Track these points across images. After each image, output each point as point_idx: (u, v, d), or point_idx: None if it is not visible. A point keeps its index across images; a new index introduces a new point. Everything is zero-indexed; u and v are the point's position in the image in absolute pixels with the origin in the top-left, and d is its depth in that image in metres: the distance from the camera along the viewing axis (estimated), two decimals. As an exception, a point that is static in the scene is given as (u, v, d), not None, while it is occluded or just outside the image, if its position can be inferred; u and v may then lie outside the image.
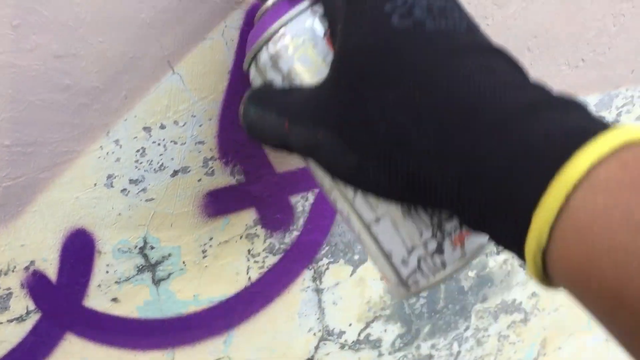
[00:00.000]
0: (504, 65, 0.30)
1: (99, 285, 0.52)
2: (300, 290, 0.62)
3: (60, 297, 0.50)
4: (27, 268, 0.48)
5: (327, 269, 0.63)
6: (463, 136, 0.27)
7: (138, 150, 0.48)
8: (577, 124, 0.26)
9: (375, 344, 0.71)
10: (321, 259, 0.62)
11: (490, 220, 0.27)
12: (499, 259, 0.73)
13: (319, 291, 0.64)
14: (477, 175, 0.27)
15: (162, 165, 0.50)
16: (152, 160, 0.49)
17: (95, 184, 0.48)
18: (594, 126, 0.25)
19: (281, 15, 0.35)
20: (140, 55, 0.45)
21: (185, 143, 0.50)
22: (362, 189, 0.32)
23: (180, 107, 0.48)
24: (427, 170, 0.28)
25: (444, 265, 0.35)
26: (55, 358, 0.53)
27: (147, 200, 0.50)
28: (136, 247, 0.52)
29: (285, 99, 0.34)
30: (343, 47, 0.31)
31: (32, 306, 0.50)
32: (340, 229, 0.62)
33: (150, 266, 0.54)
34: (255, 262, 0.58)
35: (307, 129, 0.32)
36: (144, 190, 0.50)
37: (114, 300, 0.53)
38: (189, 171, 0.51)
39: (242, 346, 0.62)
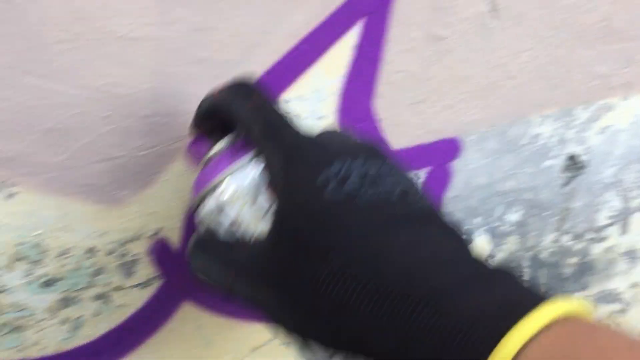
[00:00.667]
0: (435, 235, 0.30)
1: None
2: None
3: (182, 265, 0.52)
4: (153, 235, 0.50)
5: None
6: (396, 314, 0.27)
7: (263, 124, 0.49)
8: (505, 300, 0.26)
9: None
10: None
11: None
12: (602, 246, 0.72)
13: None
14: (412, 351, 0.27)
15: (284, 139, 0.50)
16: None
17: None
18: (523, 301, 0.26)
19: (225, 166, 0.36)
20: (271, 30, 0.46)
21: (307, 117, 0.50)
22: (304, 340, 0.32)
23: (304, 81, 0.49)
24: (365, 339, 0.28)
25: None
26: (173, 324, 0.54)
27: (267, 174, 0.51)
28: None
29: (229, 253, 0.35)
30: (279, 216, 0.32)
31: (155, 272, 0.51)
32: (447, 209, 0.61)
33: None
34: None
35: (248, 287, 0.33)
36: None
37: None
38: (309, 146, 0.52)
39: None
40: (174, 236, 0.51)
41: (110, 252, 0.48)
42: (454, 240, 0.31)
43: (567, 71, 0.62)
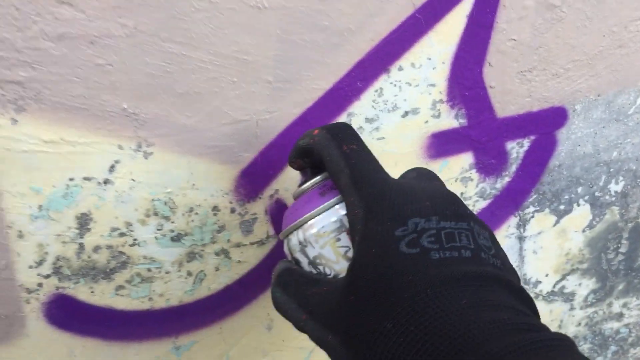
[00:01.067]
0: (500, 297, 0.30)
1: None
2: (504, 236, 0.63)
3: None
4: (271, 196, 0.53)
5: (532, 217, 0.63)
6: None
7: (376, 91, 0.51)
8: None
9: (568, 297, 0.71)
10: (527, 207, 0.63)
11: None
12: None
13: (521, 239, 0.65)
14: None
15: (395, 105, 0.52)
16: (387, 101, 0.52)
17: (335, 121, 0.51)
18: None
19: (315, 205, 0.38)
20: (389, -2, 0.47)
21: (418, 85, 0.52)
22: None
23: (418, 49, 0.50)
24: None
25: None
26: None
27: (378, 139, 0.53)
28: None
29: (306, 292, 0.35)
30: (356, 264, 0.32)
31: (271, 231, 0.54)
32: (549, 178, 0.62)
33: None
34: (467, 205, 0.60)
35: (319, 329, 0.33)
36: (377, 129, 0.53)
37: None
38: (418, 112, 0.53)
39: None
40: (290, 197, 0.53)
41: (232, 211, 0.51)
42: (518, 302, 0.31)
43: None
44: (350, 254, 0.36)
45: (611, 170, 0.63)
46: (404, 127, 0.53)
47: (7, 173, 0.43)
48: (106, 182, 0.46)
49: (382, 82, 0.50)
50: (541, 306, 0.68)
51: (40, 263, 0.46)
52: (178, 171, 0.48)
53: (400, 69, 0.50)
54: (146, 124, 0.45)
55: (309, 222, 0.37)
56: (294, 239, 0.38)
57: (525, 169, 0.59)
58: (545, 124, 0.58)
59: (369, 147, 0.50)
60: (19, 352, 0.49)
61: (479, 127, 0.55)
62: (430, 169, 0.53)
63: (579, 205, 0.64)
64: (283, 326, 0.59)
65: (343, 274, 0.35)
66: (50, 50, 0.40)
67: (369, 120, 0.52)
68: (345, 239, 0.36)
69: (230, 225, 0.52)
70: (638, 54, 0.57)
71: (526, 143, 0.58)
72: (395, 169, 0.53)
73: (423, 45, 0.50)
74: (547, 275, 0.67)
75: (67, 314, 0.49)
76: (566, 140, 0.60)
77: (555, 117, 0.58)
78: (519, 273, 0.66)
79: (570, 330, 0.73)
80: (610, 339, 0.78)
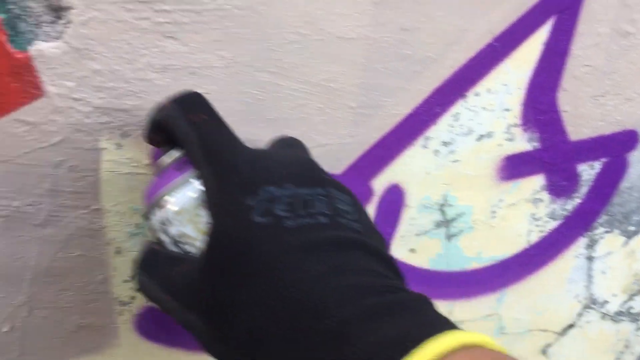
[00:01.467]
0: (359, 261, 0.30)
1: (402, 236, 0.58)
2: (573, 256, 0.64)
3: (371, 243, 0.57)
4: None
5: (602, 237, 0.64)
6: (308, 340, 0.27)
7: (453, 115, 0.53)
8: (405, 332, 0.26)
9: (635, 318, 0.71)
10: (597, 228, 0.64)
11: None
12: None
13: (590, 259, 0.65)
14: None
15: (470, 129, 0.54)
16: (463, 125, 0.53)
17: (413, 145, 0.53)
18: (423, 332, 0.26)
19: (170, 180, 0.36)
20: (469, 27, 0.49)
21: (493, 110, 0.53)
22: None
23: (494, 76, 0.52)
24: None
25: None
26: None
27: (453, 162, 0.55)
28: (437, 203, 0.57)
29: (169, 273, 0.34)
30: (212, 238, 0.31)
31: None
32: (620, 199, 0.63)
33: (446, 222, 0.58)
34: (537, 225, 0.61)
35: (182, 309, 0.32)
36: (452, 152, 0.54)
37: (412, 250, 0.59)
38: (493, 136, 0.55)
39: (512, 305, 0.66)
40: (367, 217, 0.56)
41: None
42: (379, 265, 0.31)
43: None
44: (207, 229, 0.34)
45: (682, 192, 0.63)
46: (478, 150, 0.55)
47: (110, 193, 0.46)
48: (198, 202, 0.49)
49: (458, 107, 0.52)
50: (608, 326, 0.69)
51: (134, 278, 0.49)
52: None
53: (477, 94, 0.52)
54: (238, 148, 0.48)
55: (166, 199, 0.35)
56: (154, 218, 0.36)
57: (595, 190, 0.60)
58: (617, 147, 0.59)
59: (444, 169, 0.52)
60: (111, 361, 0.52)
61: (551, 150, 0.57)
62: (502, 190, 0.55)
63: (648, 227, 0.64)
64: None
65: (200, 250, 0.33)
66: (155, 81, 0.43)
67: (445, 143, 0.53)
68: (205, 214, 0.34)
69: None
70: None
71: (597, 165, 0.59)
72: (469, 192, 0.55)
73: (499, 72, 0.51)
74: (615, 295, 0.67)
75: (157, 326, 0.52)
76: (637, 163, 0.61)
77: (626, 140, 0.59)
78: (586, 293, 0.67)
79: (636, 350, 0.73)
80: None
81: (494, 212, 0.59)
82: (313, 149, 0.48)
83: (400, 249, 0.58)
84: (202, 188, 0.34)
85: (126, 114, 0.44)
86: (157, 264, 0.35)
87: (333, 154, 0.51)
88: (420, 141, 0.53)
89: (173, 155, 0.37)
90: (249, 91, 0.46)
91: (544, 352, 0.70)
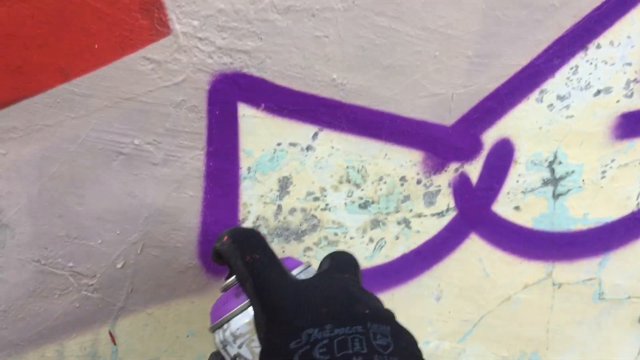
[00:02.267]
0: None
1: (508, 193, 0.56)
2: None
3: (476, 199, 0.56)
4: (456, 170, 0.54)
5: None
6: None
7: (572, 68, 0.51)
8: None
9: None
10: None
11: None
12: None
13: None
14: None
15: (588, 84, 0.52)
16: (581, 79, 0.51)
17: (527, 98, 0.51)
18: None
19: (229, 308, 0.40)
20: (597, -26, 0.47)
21: (614, 64, 0.51)
22: None
23: (618, 27, 0.49)
24: None
25: None
26: (459, 253, 0.59)
27: (567, 117, 0.53)
28: (547, 160, 0.55)
29: None
30: None
31: (452, 204, 0.56)
32: None
33: (554, 180, 0.57)
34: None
35: None
36: (567, 107, 0.53)
37: (516, 208, 0.58)
38: (611, 92, 0.53)
39: (614, 270, 0.64)
40: (474, 171, 0.55)
41: (418, 182, 0.53)
42: None
43: None
44: None
45: None
46: (594, 106, 0.53)
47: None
48: (308, 148, 0.49)
49: (578, 59, 0.50)
50: None
51: (242, 221, 0.50)
52: (373, 140, 0.50)
53: (599, 46, 0.50)
54: (351, 94, 0.48)
55: (226, 324, 0.40)
56: (217, 337, 0.41)
57: None
58: None
59: (557, 124, 0.50)
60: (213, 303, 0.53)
61: (671, 109, 0.54)
62: (615, 149, 0.53)
63: None
64: (451, 297, 0.61)
65: None
66: (277, 22, 0.43)
67: (560, 97, 0.52)
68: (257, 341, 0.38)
69: (414, 195, 0.54)
70: None
71: None
72: (581, 149, 0.53)
73: (624, 23, 0.49)
74: None
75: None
76: None
77: None
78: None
79: None
80: None
81: (604, 172, 0.57)
82: (425, 98, 0.47)
83: (505, 207, 0.57)
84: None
85: (247, 56, 0.44)
86: None
87: (445, 104, 0.50)
88: (535, 94, 0.51)
89: (233, 281, 0.41)
90: (367, 35, 0.45)
91: (642, 321, 0.68)
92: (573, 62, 0.50)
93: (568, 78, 0.51)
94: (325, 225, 0.53)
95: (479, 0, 0.46)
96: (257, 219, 0.50)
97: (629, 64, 0.51)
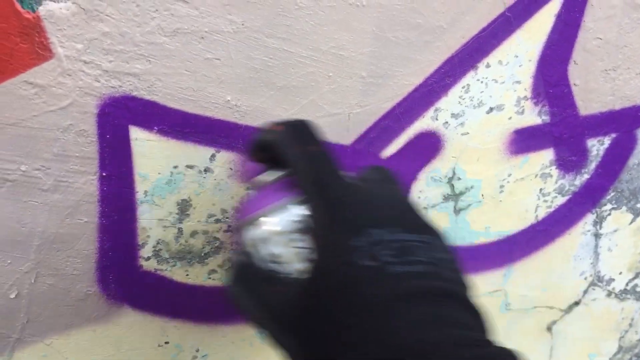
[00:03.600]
0: (455, 313, 0.31)
1: (410, 209, 0.57)
2: (580, 233, 0.64)
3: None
4: (357, 187, 0.54)
5: (609, 214, 0.64)
6: None
7: (464, 87, 0.52)
8: None
9: (641, 296, 0.71)
10: (605, 204, 0.63)
11: None
12: None
13: (597, 236, 0.65)
14: None
15: (481, 101, 0.53)
16: (473, 97, 0.53)
17: (423, 117, 0.53)
18: None
19: (275, 199, 0.36)
20: (481, -4, 0.49)
21: (504, 82, 0.53)
22: None
23: (506, 47, 0.51)
24: None
25: None
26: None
27: (462, 134, 0.55)
28: (446, 176, 0.57)
29: (265, 290, 0.35)
30: (317, 272, 0.32)
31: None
32: (628, 176, 0.62)
33: (454, 196, 0.58)
34: (545, 201, 0.61)
35: (279, 329, 0.33)
36: (462, 124, 0.54)
37: (419, 224, 0.59)
38: (503, 109, 0.54)
39: (519, 281, 0.65)
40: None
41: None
42: (470, 316, 0.32)
43: None
44: (307, 256, 0.34)
45: (691, 169, 0.62)
46: (488, 123, 0.54)
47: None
48: (207, 170, 0.48)
49: (469, 78, 0.52)
50: (613, 304, 0.69)
51: (142, 245, 0.49)
52: (272, 161, 0.50)
53: (488, 66, 0.51)
54: (247, 116, 0.48)
55: (264, 220, 0.36)
56: (248, 234, 0.37)
57: (604, 166, 0.60)
58: (627, 122, 0.59)
59: (452, 141, 0.52)
60: (116, 330, 0.52)
61: (561, 124, 0.56)
62: (511, 164, 0.54)
63: (656, 204, 0.64)
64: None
65: (298, 274, 0.35)
66: (165, 45, 0.43)
67: (454, 115, 0.53)
68: (303, 241, 0.35)
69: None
70: None
71: (607, 141, 0.58)
72: (478, 165, 0.54)
73: (511, 43, 0.51)
74: (620, 273, 0.67)
75: (163, 296, 0.52)
76: (647, 139, 0.60)
77: (636, 116, 0.59)
78: (592, 270, 0.66)
79: (640, 330, 0.73)
80: None
81: (502, 186, 0.59)
82: (322, 118, 0.48)
83: (408, 223, 0.58)
84: (303, 215, 0.35)
85: (136, 79, 0.43)
86: (253, 279, 0.36)
87: (342, 124, 0.50)
88: (430, 112, 0.52)
89: (273, 175, 0.38)
90: (259, 57, 0.45)
91: (549, 329, 0.70)
92: (464, 81, 0.52)
93: (461, 96, 0.53)
94: (228, 247, 0.52)
95: (369, 23, 0.47)
96: (158, 242, 0.50)
97: (519, 82, 0.53)
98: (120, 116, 0.44)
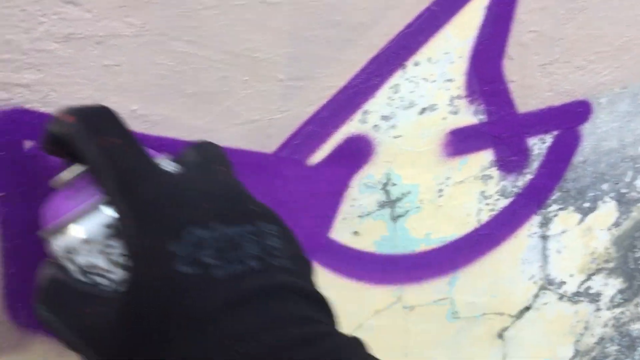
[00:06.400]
0: (292, 309, 0.29)
1: (344, 218, 0.54)
2: (526, 235, 0.62)
3: (310, 227, 0.53)
4: (285, 197, 0.51)
5: (556, 215, 0.62)
6: None
7: (392, 87, 0.49)
8: None
9: (594, 298, 0.69)
10: (551, 205, 0.61)
11: None
12: None
13: (544, 238, 0.63)
14: None
15: (412, 102, 0.51)
16: (403, 97, 0.50)
17: (351, 120, 0.50)
18: None
19: (77, 206, 0.32)
20: (404, -9, 0.46)
21: (435, 80, 0.50)
22: None
23: (434, 44, 0.48)
24: None
25: None
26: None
27: (395, 137, 0.52)
28: (380, 182, 0.54)
29: (79, 312, 0.31)
30: (131, 287, 0.28)
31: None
32: (573, 174, 0.60)
33: (390, 202, 0.55)
34: (487, 204, 0.58)
35: (95, 356, 0.30)
36: (393, 127, 0.51)
37: (355, 233, 0.56)
38: (436, 109, 0.52)
39: (465, 288, 0.63)
40: (304, 198, 0.52)
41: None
42: (309, 308, 0.30)
43: None
44: (125, 263, 0.30)
45: (637, 165, 0.60)
46: (421, 125, 0.51)
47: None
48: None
49: (398, 78, 0.49)
50: (566, 307, 0.66)
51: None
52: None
53: (417, 64, 0.49)
54: (156, 126, 0.44)
55: (72, 226, 0.32)
56: (57, 243, 0.32)
57: (548, 165, 0.58)
58: (569, 119, 0.57)
59: (385, 145, 0.49)
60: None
61: (499, 123, 0.54)
62: (449, 167, 0.52)
63: (604, 202, 0.62)
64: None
65: (117, 285, 0.31)
66: (57, 52, 0.39)
67: (384, 117, 0.50)
68: (119, 245, 0.31)
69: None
70: (664, 45, 0.55)
71: (549, 139, 0.56)
72: (414, 169, 0.51)
73: (440, 39, 0.48)
74: (571, 276, 0.65)
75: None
76: (590, 135, 0.58)
77: (578, 112, 0.57)
78: (542, 274, 0.64)
79: (596, 332, 0.70)
80: (638, 340, 0.75)
81: (441, 190, 0.56)
82: (240, 125, 0.45)
83: (343, 233, 0.55)
84: (115, 216, 0.31)
85: (27, 90, 0.39)
86: (64, 299, 0.31)
87: (263, 131, 0.47)
88: (358, 115, 0.50)
89: (75, 170, 0.33)
90: (165, 62, 0.42)
91: (500, 335, 0.67)
92: (393, 80, 0.49)
93: (390, 97, 0.50)
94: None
95: (284, 22, 0.44)
96: (69, 265, 0.46)
97: (451, 80, 0.51)
98: (13, 131, 0.40)
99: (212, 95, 0.45)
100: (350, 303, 0.59)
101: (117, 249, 0.31)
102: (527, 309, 0.66)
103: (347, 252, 0.56)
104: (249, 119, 0.46)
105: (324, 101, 0.48)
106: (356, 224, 0.55)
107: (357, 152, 0.52)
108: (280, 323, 0.28)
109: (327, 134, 0.49)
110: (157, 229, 0.29)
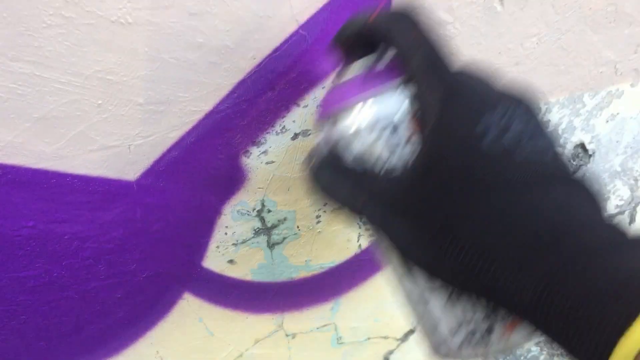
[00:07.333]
0: (581, 199, 0.30)
1: (218, 247, 0.52)
2: (408, 259, 0.61)
3: (182, 256, 0.51)
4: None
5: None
6: (545, 262, 0.28)
7: (263, 111, 0.48)
8: None
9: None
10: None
11: (567, 337, 0.27)
12: None
13: (426, 261, 0.62)
14: (558, 299, 0.27)
15: (284, 127, 0.49)
16: (274, 123, 0.49)
17: (219, 145, 0.48)
18: None
19: (366, 88, 0.34)
20: (270, 14, 0.44)
21: (307, 105, 0.49)
22: (430, 275, 0.31)
23: (306, 69, 0.47)
24: (506, 283, 0.29)
25: (488, 344, 0.34)
26: (175, 315, 0.53)
27: (267, 163, 0.50)
28: (254, 209, 0.52)
29: (361, 176, 0.33)
30: (429, 154, 0.30)
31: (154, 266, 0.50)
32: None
33: (266, 229, 0.53)
34: (367, 229, 0.57)
35: (380, 214, 0.32)
36: (265, 152, 0.49)
37: (231, 262, 0.54)
38: (309, 134, 0.50)
39: (348, 314, 0.62)
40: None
41: (106, 244, 0.47)
42: (597, 207, 0.31)
43: (574, 57, 0.60)
44: (409, 146, 0.33)
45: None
46: (294, 150, 0.50)
47: None
48: (-46, 218, 0.41)
49: (268, 102, 0.47)
50: (451, 329, 0.66)
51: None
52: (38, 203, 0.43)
53: (287, 88, 0.47)
54: (0, 153, 0.41)
55: (363, 108, 0.33)
56: (340, 127, 0.34)
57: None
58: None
59: (257, 171, 0.47)
60: None
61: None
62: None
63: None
64: (173, 365, 0.55)
65: (400, 166, 0.32)
66: None
67: (255, 143, 0.48)
68: (403, 130, 0.33)
69: (105, 260, 0.47)
70: (535, 72, 0.56)
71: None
72: (288, 195, 0.50)
73: (309, 63, 0.47)
74: (455, 298, 0.65)
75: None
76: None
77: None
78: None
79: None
80: (522, 358, 0.77)
81: (318, 216, 0.55)
82: (96, 151, 0.42)
83: (217, 261, 0.52)
84: (408, 101, 0.33)
85: None
86: (343, 166, 0.34)
87: (123, 157, 0.44)
88: (226, 141, 0.47)
89: (363, 64, 0.35)
90: (4, 84, 0.39)
91: (386, 359, 0.67)
92: (263, 105, 0.47)
93: (260, 122, 0.48)
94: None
95: (140, 43, 0.41)
96: None
97: (323, 105, 0.49)
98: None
99: (62, 120, 0.41)
100: (229, 333, 0.56)
101: (404, 131, 0.33)
102: (412, 332, 0.66)
103: (222, 280, 0.54)
104: (105, 144, 0.43)
105: (189, 127, 0.45)
106: (231, 252, 0.53)
107: (228, 179, 0.49)
108: (575, 206, 0.29)
109: (194, 159, 0.47)
110: (462, 106, 0.30)
